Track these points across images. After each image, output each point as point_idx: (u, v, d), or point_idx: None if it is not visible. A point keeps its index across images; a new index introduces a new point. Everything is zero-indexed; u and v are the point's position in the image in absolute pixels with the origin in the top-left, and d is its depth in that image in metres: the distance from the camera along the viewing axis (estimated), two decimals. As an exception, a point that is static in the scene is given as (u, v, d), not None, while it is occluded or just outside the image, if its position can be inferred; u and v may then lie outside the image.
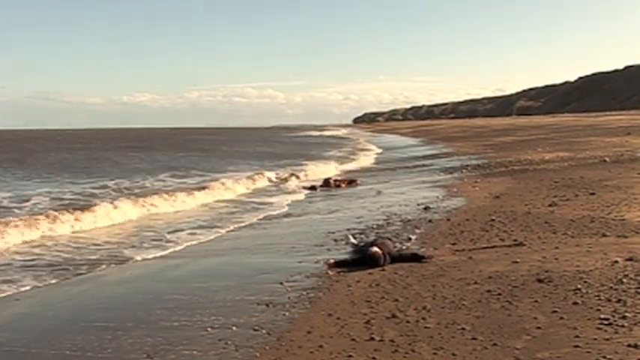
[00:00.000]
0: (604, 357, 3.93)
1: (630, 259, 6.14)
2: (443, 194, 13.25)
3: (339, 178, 20.08)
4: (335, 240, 8.89)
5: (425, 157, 28.74)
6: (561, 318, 4.73)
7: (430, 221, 9.78)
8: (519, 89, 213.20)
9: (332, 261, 7.22)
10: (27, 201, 15.63)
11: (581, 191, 11.46)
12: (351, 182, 18.45)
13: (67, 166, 30.61)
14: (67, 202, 15.36)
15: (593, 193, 11.04)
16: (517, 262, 6.54)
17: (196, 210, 14.63)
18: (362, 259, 7.09)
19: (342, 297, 5.87)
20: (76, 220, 12.14)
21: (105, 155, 41.56)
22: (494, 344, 4.34)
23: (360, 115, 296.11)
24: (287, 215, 12.97)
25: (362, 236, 8.77)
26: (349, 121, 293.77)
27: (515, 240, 7.71)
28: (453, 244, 7.92)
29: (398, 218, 10.40)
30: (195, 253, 9.34)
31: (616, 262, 6.12)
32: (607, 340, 4.21)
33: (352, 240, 8.21)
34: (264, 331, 5.00)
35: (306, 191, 17.61)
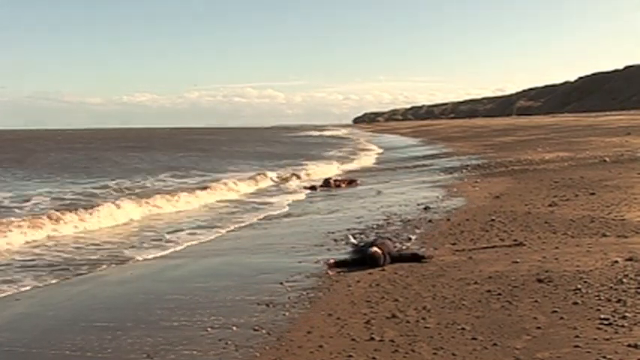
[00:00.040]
0: (604, 357, 3.94)
1: (630, 259, 6.14)
2: (443, 194, 13.25)
3: (339, 178, 20.09)
4: (335, 240, 8.90)
5: (425, 157, 28.74)
6: (561, 318, 4.73)
7: (430, 221, 9.78)
8: (519, 89, 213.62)
9: (332, 261, 7.22)
10: (27, 201, 15.65)
11: (581, 191, 11.46)
12: (351, 182, 18.45)
13: (67, 166, 30.61)
14: (68, 202, 15.37)
15: (593, 193, 11.04)
16: (517, 262, 6.54)
17: (198, 210, 14.63)
18: (362, 259, 7.10)
19: (342, 297, 5.87)
20: (80, 220, 12.14)
21: (105, 155, 41.56)
22: (494, 344, 4.34)
23: (360, 115, 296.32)
24: (287, 215, 12.97)
25: (362, 236, 8.77)
26: (349, 121, 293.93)
27: (515, 240, 7.71)
28: (453, 244, 7.92)
29: (398, 218, 10.40)
30: (195, 253, 9.35)
31: (616, 262, 6.12)
32: (607, 340, 4.21)
33: (352, 240, 8.22)
34: (264, 331, 5.00)
35: (307, 191, 17.63)
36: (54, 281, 7.76)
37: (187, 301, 6.16)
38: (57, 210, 12.86)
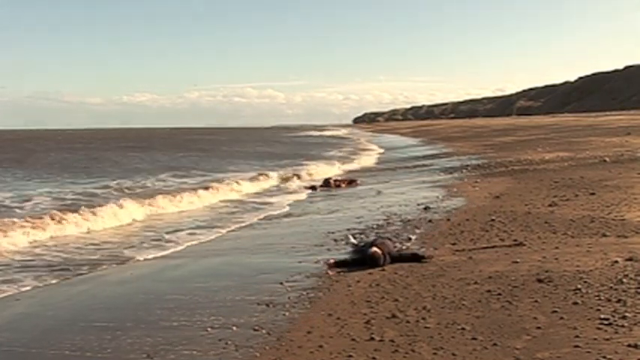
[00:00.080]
0: (604, 357, 3.93)
1: (630, 259, 6.14)
2: (443, 194, 13.25)
3: (339, 178, 20.09)
4: (335, 240, 8.90)
5: (425, 157, 28.75)
6: (561, 318, 4.73)
7: (430, 221, 9.78)
8: (519, 89, 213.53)
9: (332, 261, 7.22)
10: (28, 201, 15.65)
11: (581, 191, 11.46)
12: (351, 182, 18.46)
13: (67, 166, 30.61)
14: (70, 202, 15.38)
15: (593, 193, 11.04)
16: (517, 262, 6.54)
17: (202, 210, 14.62)
18: (362, 259, 7.09)
19: (342, 297, 5.87)
20: (84, 220, 12.13)
21: (105, 155, 41.56)
22: (494, 344, 4.34)
23: (360, 115, 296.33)
24: (287, 215, 12.97)
25: (362, 236, 8.77)
26: (349, 121, 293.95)
27: (515, 240, 7.71)
28: (453, 244, 7.92)
29: (398, 218, 10.40)
30: (195, 253, 9.35)
31: (616, 262, 6.12)
32: (607, 340, 4.21)
33: (352, 240, 8.22)
34: (264, 331, 5.00)
35: (308, 191, 17.64)
36: (54, 281, 7.76)
37: (187, 301, 6.16)
38: (59, 210, 12.87)
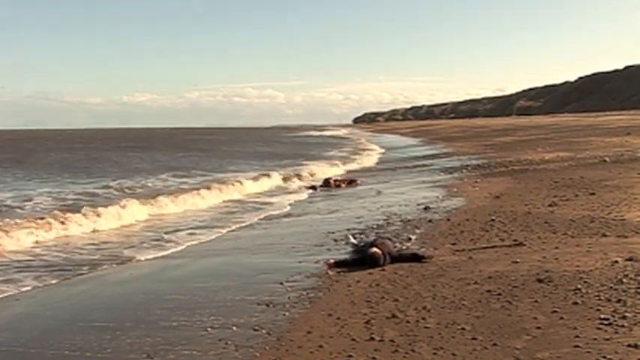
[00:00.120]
0: (604, 357, 3.93)
1: (630, 259, 6.14)
2: (443, 194, 13.25)
3: (339, 178, 20.09)
4: (335, 240, 8.89)
5: (425, 157, 28.75)
6: (561, 318, 4.73)
7: (430, 221, 9.78)
8: (519, 89, 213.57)
9: (332, 261, 7.22)
10: (29, 201, 15.63)
11: (581, 191, 11.46)
12: (351, 182, 18.46)
13: (68, 166, 30.60)
14: (71, 202, 15.39)
15: (593, 193, 11.04)
16: (517, 262, 6.54)
17: (205, 210, 14.58)
18: (362, 259, 7.09)
19: (342, 297, 5.87)
20: (88, 220, 12.12)
21: (105, 155, 41.56)
22: (494, 344, 4.34)
23: (360, 115, 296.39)
24: (287, 215, 12.97)
25: (362, 236, 8.77)
26: (349, 121, 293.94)
27: (515, 240, 7.71)
28: (453, 244, 7.92)
29: (398, 218, 10.40)
30: (195, 253, 9.35)
31: (616, 262, 6.12)
32: (607, 340, 4.21)
33: (352, 240, 8.22)
34: (264, 331, 5.00)
35: (309, 191, 17.65)
36: (54, 281, 7.75)
37: (187, 301, 6.16)
38: (59, 210, 12.88)
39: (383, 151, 40.37)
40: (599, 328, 4.43)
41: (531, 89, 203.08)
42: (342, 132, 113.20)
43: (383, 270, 6.79)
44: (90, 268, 8.46)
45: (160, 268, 8.35)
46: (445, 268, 6.61)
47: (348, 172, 24.44)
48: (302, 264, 7.43)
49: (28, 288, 7.40)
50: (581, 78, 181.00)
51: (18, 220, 11.64)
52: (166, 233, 11.10)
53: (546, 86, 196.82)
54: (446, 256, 7.23)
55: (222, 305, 5.91)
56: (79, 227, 11.69)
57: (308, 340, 4.74)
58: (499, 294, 5.49)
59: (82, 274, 8.13)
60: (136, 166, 30.39)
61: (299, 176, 22.38)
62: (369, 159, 32.64)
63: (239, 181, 19.20)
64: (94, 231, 11.64)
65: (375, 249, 7.08)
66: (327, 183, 18.36)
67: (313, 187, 18.13)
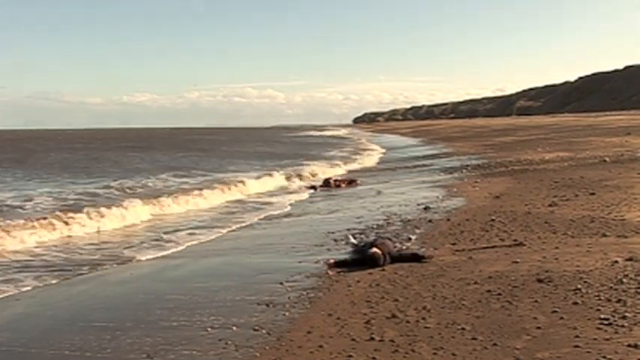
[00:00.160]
0: (604, 357, 3.93)
1: (630, 259, 6.14)
2: (443, 194, 13.25)
3: (339, 178, 20.09)
4: (335, 240, 8.90)
5: (425, 157, 28.75)
6: (561, 318, 4.73)
7: (430, 221, 9.78)
8: (519, 89, 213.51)
9: (332, 261, 7.22)
10: (29, 201, 15.62)
11: (581, 191, 11.46)
12: (351, 182, 18.46)
13: (68, 166, 30.60)
14: (71, 202, 15.38)
15: (593, 193, 11.04)
16: (517, 262, 6.54)
17: (207, 211, 14.57)
18: (362, 259, 7.09)
19: (342, 297, 5.87)
20: (91, 220, 12.11)
21: (105, 155, 41.56)
22: (494, 344, 4.34)
23: (360, 115, 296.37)
24: (287, 215, 12.97)
25: (362, 236, 8.77)
26: (349, 121, 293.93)
27: (515, 240, 7.71)
28: (453, 244, 7.92)
29: (398, 218, 10.40)
30: (195, 253, 9.35)
31: (616, 262, 6.12)
32: (607, 340, 4.21)
33: (352, 240, 8.22)
34: (264, 331, 5.00)
35: (310, 191, 17.66)
36: (54, 281, 7.76)
37: (187, 301, 6.16)
38: (60, 210, 12.87)
39: (383, 151, 40.36)
40: (599, 328, 4.43)
41: (531, 89, 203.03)
42: (342, 132, 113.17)
43: (383, 270, 6.79)
44: (90, 268, 8.46)
45: (160, 268, 8.35)
46: (445, 268, 6.61)
47: (349, 172, 24.44)
48: (302, 264, 7.43)
49: (29, 288, 7.40)
50: (581, 78, 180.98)
51: (20, 221, 11.63)
52: (166, 233, 11.11)
53: (546, 86, 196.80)
54: (446, 256, 7.23)
55: (222, 305, 5.91)
56: (82, 228, 11.69)
57: (308, 340, 4.74)
58: (499, 294, 5.49)
59: (82, 274, 8.13)
60: (136, 166, 30.39)
61: (300, 176, 22.40)
62: (370, 159, 32.65)
63: (241, 181, 19.20)
64: (98, 231, 11.64)
65: (375, 249, 7.08)
66: (327, 183, 18.37)
67: (313, 187, 18.13)
